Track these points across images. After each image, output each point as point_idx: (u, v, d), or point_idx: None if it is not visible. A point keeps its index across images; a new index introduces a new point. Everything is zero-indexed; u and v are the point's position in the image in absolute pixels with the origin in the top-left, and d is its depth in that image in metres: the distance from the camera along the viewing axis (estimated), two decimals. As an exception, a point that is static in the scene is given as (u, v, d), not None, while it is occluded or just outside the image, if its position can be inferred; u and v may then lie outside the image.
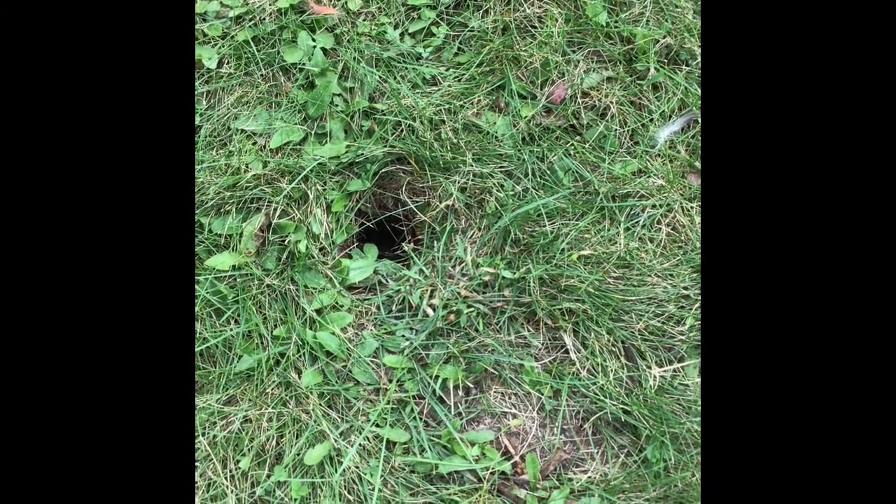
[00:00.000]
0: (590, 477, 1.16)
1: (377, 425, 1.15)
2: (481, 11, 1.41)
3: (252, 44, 1.35)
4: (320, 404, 1.16)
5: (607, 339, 1.20)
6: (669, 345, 1.20)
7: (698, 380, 1.19)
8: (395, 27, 1.40)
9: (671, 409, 1.15)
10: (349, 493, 1.10)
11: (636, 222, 1.29)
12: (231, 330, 1.19)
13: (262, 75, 1.35)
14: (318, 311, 1.22)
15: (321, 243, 1.27)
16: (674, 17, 1.41)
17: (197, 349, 1.18)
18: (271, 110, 1.34)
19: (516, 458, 1.16)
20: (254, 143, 1.31)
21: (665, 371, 1.19)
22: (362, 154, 1.30)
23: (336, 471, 1.11)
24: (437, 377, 1.18)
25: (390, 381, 1.18)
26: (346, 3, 1.40)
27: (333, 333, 1.20)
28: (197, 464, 1.12)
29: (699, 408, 1.15)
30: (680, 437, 1.14)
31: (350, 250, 1.32)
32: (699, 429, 1.14)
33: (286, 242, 1.25)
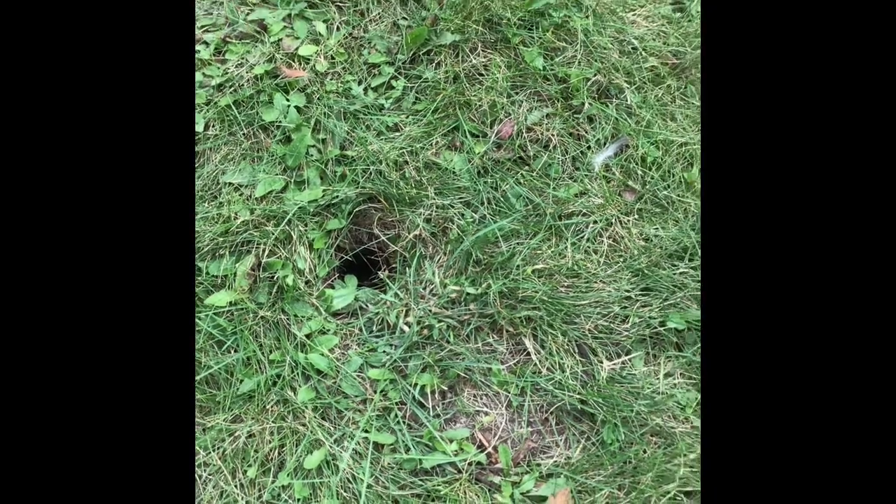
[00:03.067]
0: (555, 461, 1.32)
1: (366, 431, 1.31)
2: (434, 64, 1.61)
3: (233, 107, 1.53)
4: (315, 416, 1.32)
5: (562, 340, 1.37)
6: (616, 340, 1.38)
7: (644, 369, 1.36)
8: (359, 83, 1.59)
9: (622, 396, 1.32)
10: (345, 491, 1.26)
11: (581, 237, 1.47)
12: (232, 357, 1.35)
13: (244, 134, 1.53)
14: (308, 336, 1.39)
15: (306, 277, 1.44)
16: (602, 57, 1.62)
17: (203, 376, 1.34)
18: (254, 164, 1.51)
19: (490, 450, 1.31)
20: (241, 194, 1.49)
21: (614, 364, 1.36)
22: (337, 196, 1.48)
23: (333, 473, 1.26)
24: (416, 385, 1.34)
25: (375, 391, 1.34)
26: (314, 65, 1.59)
27: (322, 354, 1.36)
28: (210, 476, 1.27)
29: (647, 392, 1.32)
30: (630, 419, 1.31)
31: (332, 281, 1.49)
32: (647, 410, 1.30)
33: (275, 278, 1.41)
